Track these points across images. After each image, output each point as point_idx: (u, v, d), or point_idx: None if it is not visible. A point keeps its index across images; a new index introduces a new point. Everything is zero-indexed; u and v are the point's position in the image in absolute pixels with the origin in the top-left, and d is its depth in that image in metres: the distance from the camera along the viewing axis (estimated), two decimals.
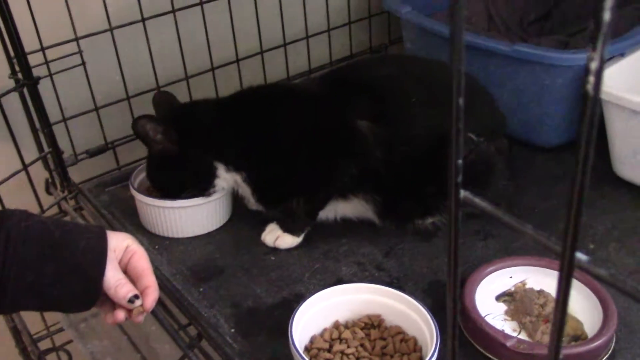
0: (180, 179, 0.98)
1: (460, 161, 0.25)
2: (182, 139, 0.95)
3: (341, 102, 0.94)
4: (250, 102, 0.99)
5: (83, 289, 0.66)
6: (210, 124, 0.97)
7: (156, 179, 1.01)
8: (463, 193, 0.26)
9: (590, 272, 0.23)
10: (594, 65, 0.19)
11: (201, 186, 0.98)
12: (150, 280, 0.71)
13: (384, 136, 0.91)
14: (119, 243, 0.71)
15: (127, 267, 0.72)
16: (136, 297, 0.69)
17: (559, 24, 1.37)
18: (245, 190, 0.99)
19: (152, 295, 0.70)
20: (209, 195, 0.99)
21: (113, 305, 0.70)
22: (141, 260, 0.71)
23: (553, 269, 0.83)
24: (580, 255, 0.23)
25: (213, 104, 1.01)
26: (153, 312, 0.86)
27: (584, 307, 0.79)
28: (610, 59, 1.04)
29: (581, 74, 1.00)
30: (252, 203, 1.03)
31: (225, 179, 0.97)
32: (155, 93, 1.05)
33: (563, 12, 1.38)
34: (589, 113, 0.20)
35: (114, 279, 0.67)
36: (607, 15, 0.18)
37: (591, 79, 0.19)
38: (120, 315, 0.69)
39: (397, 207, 0.96)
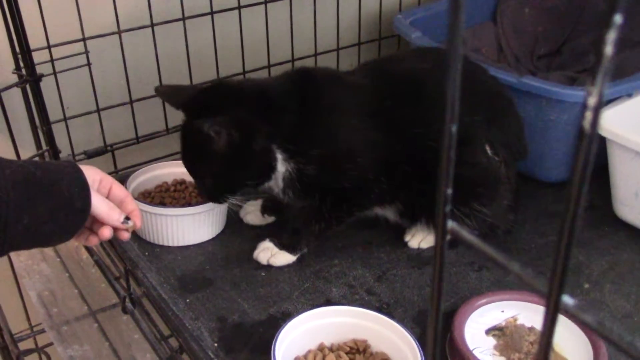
0: (245, 172, 0.91)
1: (449, 190, 0.24)
2: (246, 130, 0.87)
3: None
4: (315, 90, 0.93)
5: (73, 221, 0.71)
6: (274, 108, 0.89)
7: (223, 181, 0.92)
8: (450, 224, 0.25)
9: (576, 318, 0.21)
10: (592, 101, 0.18)
11: (260, 180, 0.91)
12: (133, 205, 0.80)
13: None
14: (93, 175, 0.77)
15: (108, 196, 0.79)
16: (127, 218, 0.77)
17: (568, 61, 1.37)
18: (285, 178, 0.92)
19: (139, 216, 0.80)
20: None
21: (89, 230, 0.77)
22: (120, 189, 0.80)
23: None
24: (567, 299, 0.22)
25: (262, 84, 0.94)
26: (136, 320, 0.85)
27: (574, 346, 0.78)
28: (617, 98, 1.03)
29: None
30: (256, 210, 1.02)
31: (280, 170, 0.91)
32: (158, 87, 0.98)
33: (573, 49, 1.37)
34: (583, 151, 0.19)
35: (105, 206, 0.75)
36: (609, 49, 0.17)
37: (588, 114, 0.18)
38: (107, 232, 0.76)
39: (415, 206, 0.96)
